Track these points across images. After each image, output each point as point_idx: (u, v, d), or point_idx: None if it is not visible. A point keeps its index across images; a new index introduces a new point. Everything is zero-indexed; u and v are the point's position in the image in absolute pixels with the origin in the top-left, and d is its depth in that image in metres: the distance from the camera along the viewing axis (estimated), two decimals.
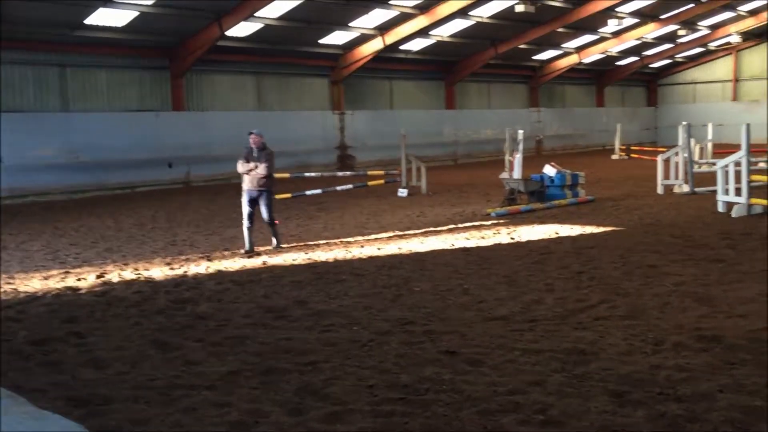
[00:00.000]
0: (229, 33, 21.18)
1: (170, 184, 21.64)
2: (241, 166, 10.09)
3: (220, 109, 23.74)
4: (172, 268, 9.17)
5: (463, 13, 24.56)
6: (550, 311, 6.54)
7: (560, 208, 13.97)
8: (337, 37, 24.98)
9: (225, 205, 15.84)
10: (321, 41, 24.91)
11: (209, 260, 9.71)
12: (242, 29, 21.77)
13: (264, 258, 9.72)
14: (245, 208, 10.18)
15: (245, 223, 10.17)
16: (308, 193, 16.53)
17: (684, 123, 17.03)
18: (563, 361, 5.13)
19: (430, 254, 9.72)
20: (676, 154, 16.58)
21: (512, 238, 10.73)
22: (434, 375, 4.92)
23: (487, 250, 9.88)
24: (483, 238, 10.88)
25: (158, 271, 8.97)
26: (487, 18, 26.18)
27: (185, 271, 8.96)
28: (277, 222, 10.55)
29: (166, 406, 4.55)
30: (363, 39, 25.43)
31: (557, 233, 11.03)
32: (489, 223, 12.47)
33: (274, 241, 10.45)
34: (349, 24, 23.95)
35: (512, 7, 24.42)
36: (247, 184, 10.12)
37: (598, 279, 7.76)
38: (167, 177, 21.69)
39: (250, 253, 9.99)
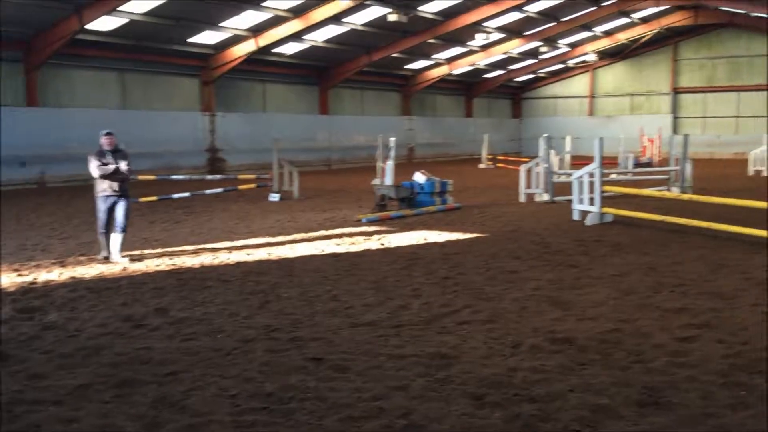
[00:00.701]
0: (90, 27, 20.14)
1: (22, 184, 20.25)
2: (98, 169, 9.34)
3: (80, 106, 22.47)
4: (20, 275, 8.53)
5: (336, 19, 24.70)
6: (416, 316, 6.64)
7: (429, 215, 14.29)
8: (207, 37, 24.39)
9: (82, 207, 14.98)
10: (190, 40, 24.22)
11: (63, 266, 9.12)
12: (105, 23, 20.76)
13: (124, 264, 9.25)
14: (103, 214, 9.53)
15: (101, 229, 9.56)
16: (175, 196, 15.95)
17: (545, 135, 17.92)
18: (427, 366, 5.21)
19: (300, 260, 9.64)
20: (537, 164, 17.42)
21: (382, 244, 10.84)
22: (299, 383, 4.86)
23: (357, 256, 9.92)
24: (353, 243, 10.92)
25: (5, 278, 8.32)
26: (361, 26, 26.48)
27: (35, 278, 8.36)
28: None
29: (7, 423, 4.20)
30: (235, 40, 24.98)
31: (426, 239, 11.26)
32: (360, 229, 12.54)
33: (114, 250, 9.43)
34: (220, 24, 23.45)
35: (385, 16, 24.84)
36: (106, 188, 9.49)
37: (462, 284, 7.98)
38: (19, 177, 20.29)
39: (109, 259, 9.46)
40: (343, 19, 25.28)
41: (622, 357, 5.31)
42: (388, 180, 15.13)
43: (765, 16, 31.96)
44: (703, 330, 5.95)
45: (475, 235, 11.70)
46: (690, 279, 8.03)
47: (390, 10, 24.49)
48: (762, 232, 10.20)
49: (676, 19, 35.37)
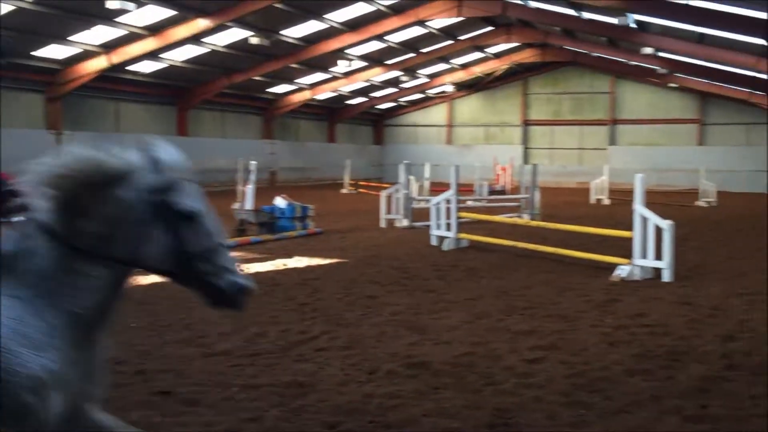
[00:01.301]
0: None
1: None
2: None
3: None
4: None
5: (196, 39, 24.12)
6: (273, 344, 6.49)
7: (290, 240, 14.14)
8: (54, 51, 23.00)
9: None
10: (35, 53, 22.74)
11: None
12: None
13: None
14: None
15: None
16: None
17: (405, 162, 18.33)
18: (282, 395, 5.08)
19: (151, 287, 9.16)
20: (397, 190, 17.77)
21: (240, 270, 10.55)
22: (142, 419, 4.56)
23: None
24: None
25: None
26: (222, 47, 26.05)
27: None
28: None
29: None
30: (85, 55, 23.76)
31: (285, 265, 11.11)
32: None
33: None
34: (69, 38, 22.22)
35: (247, 38, 24.58)
36: None
37: (321, 310, 7.91)
38: None
39: None
40: (203, 40, 24.75)
41: (474, 380, 5.44)
42: (248, 204, 14.85)
43: (605, 56, 34.66)
44: (549, 351, 6.23)
45: (335, 260, 11.69)
46: (538, 302, 8.42)
47: (252, 33, 24.29)
48: (601, 257, 10.92)
49: (526, 56, 37.58)
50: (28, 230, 2.65)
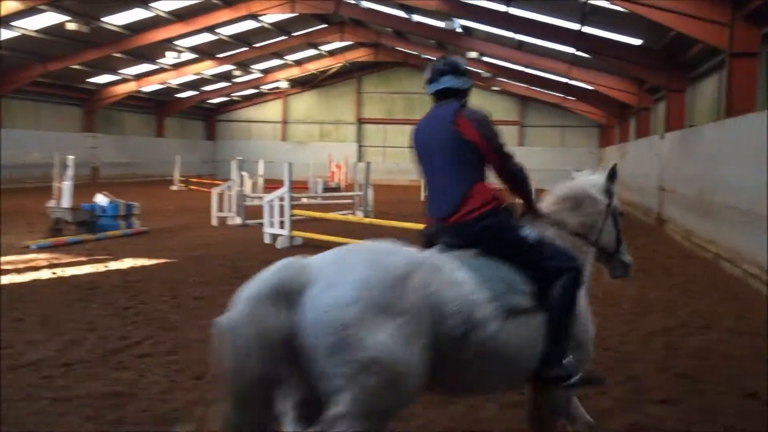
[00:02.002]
0: None
1: None
2: None
3: None
4: None
5: (4, 22, 22.07)
6: (90, 352, 6.04)
7: (112, 240, 13.32)
8: None
9: None
10: None
11: None
12: None
13: None
14: None
15: None
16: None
17: (237, 158, 17.92)
18: (97, 407, 4.73)
19: None
20: (230, 187, 17.33)
21: (54, 273, 9.77)
22: None
23: (22, 287, 8.79)
24: (18, 273, 9.68)
25: None
26: (35, 32, 24.04)
27: None
28: None
29: None
30: None
31: (106, 266, 10.43)
32: (28, 256, 11.19)
33: None
34: None
35: (63, 24, 22.88)
36: None
37: (145, 314, 7.49)
38: None
39: None
40: (12, 23, 22.69)
41: None
42: (65, 202, 13.79)
43: (434, 58, 35.94)
44: None
45: (162, 260, 11.15)
46: None
47: (68, 18, 22.62)
48: None
49: (360, 55, 38.17)
50: (544, 224, 3.84)
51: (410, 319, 2.85)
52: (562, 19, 20.82)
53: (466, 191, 3.55)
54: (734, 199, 10.42)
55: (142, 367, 5.67)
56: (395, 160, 43.21)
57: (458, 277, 3.16)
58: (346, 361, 2.75)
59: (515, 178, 3.79)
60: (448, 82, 3.81)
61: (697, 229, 12.98)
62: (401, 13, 26.70)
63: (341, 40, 32.92)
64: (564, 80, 31.25)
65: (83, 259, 11.07)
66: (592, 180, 4.14)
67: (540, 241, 3.59)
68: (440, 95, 3.81)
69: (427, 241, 3.72)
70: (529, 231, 3.59)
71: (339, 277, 2.88)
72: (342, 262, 2.98)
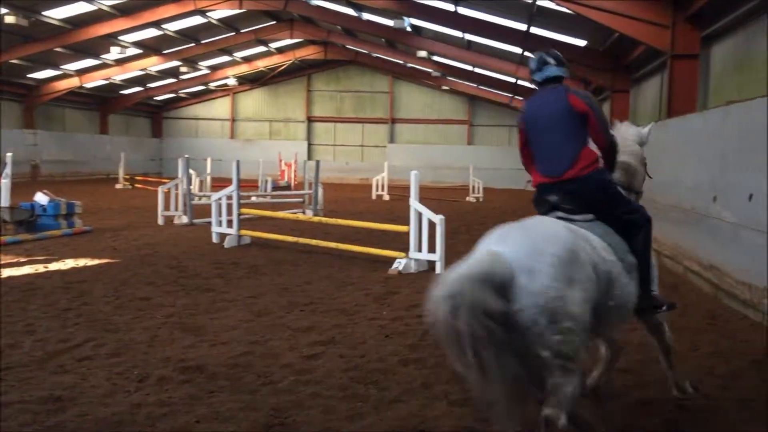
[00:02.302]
0: None
1: None
2: None
3: None
4: None
5: None
6: (28, 356, 5.84)
7: (53, 240, 12.93)
8: None
9: None
10: None
11: None
12: None
13: None
14: None
15: None
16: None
17: (185, 156, 17.60)
18: (35, 413, 4.56)
19: None
20: (177, 185, 17.02)
21: None
22: None
23: None
24: None
25: None
26: None
27: None
28: None
29: None
30: None
31: (46, 267, 10.11)
32: None
33: None
34: None
35: (2, 17, 22.14)
36: None
37: (86, 315, 7.28)
38: None
39: None
40: None
41: (251, 380, 5.30)
42: (3, 201, 13.33)
43: (384, 57, 36.02)
44: (328, 346, 6.27)
45: (105, 260, 10.88)
46: (318, 297, 8.47)
47: (7, 11, 21.89)
48: (380, 251, 11.29)
49: (309, 53, 37.95)
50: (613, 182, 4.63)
51: (585, 286, 3.65)
52: (510, 19, 21.08)
53: (578, 153, 4.43)
54: (676, 198, 10.70)
55: (83, 370, 5.51)
56: (345, 158, 43.14)
57: (598, 245, 3.99)
58: (559, 329, 3.51)
59: (611, 144, 4.70)
60: (555, 71, 4.73)
61: None
62: (351, 11, 26.64)
63: (291, 37, 32.64)
64: (512, 80, 31.66)
65: (22, 259, 10.72)
66: (630, 132, 5.19)
67: (625, 197, 4.63)
68: (547, 82, 4.73)
69: (540, 196, 4.58)
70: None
71: (535, 264, 3.57)
72: (531, 248, 3.65)
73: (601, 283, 3.82)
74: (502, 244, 3.72)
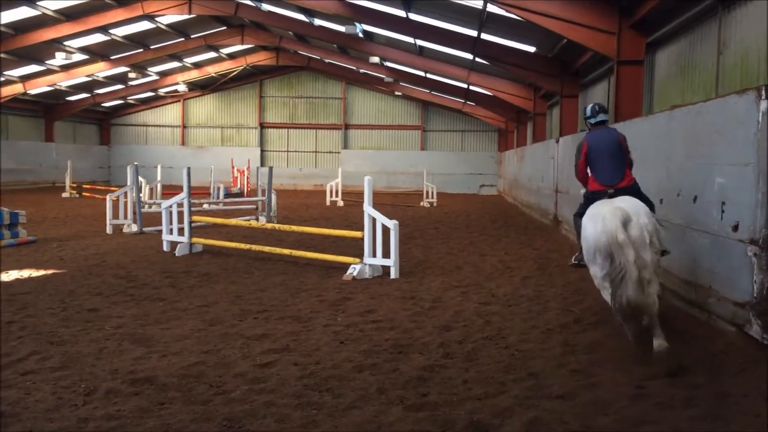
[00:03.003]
0: None
1: None
2: None
3: None
4: None
5: None
6: None
7: None
8: None
9: None
10: None
11: None
12: None
13: None
14: None
15: None
16: None
17: (134, 164, 17.26)
18: None
19: None
20: (125, 193, 16.68)
21: None
22: None
23: None
24: None
25: None
26: None
27: None
28: None
29: None
30: None
31: None
32: None
33: None
34: None
35: None
36: None
37: (31, 328, 7.06)
38: None
39: None
40: None
41: (203, 391, 5.21)
42: None
43: (337, 63, 35.98)
44: (282, 354, 6.20)
45: (51, 271, 10.58)
46: (272, 305, 8.38)
47: None
48: (334, 257, 11.25)
49: (261, 58, 37.66)
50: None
51: (652, 239, 6.29)
52: (461, 25, 21.28)
53: (625, 172, 7.42)
54: None
55: (27, 384, 5.34)
56: (299, 164, 42.94)
57: (635, 209, 6.47)
58: (653, 249, 6.20)
59: (632, 167, 7.68)
60: (604, 117, 7.88)
61: None
62: (302, 17, 26.54)
63: (242, 43, 32.34)
64: (464, 86, 31.96)
65: None
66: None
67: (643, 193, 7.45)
68: (599, 124, 7.78)
69: (598, 196, 7.31)
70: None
71: (638, 215, 6.32)
72: (633, 207, 6.43)
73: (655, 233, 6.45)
74: (621, 203, 6.55)
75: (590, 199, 7.35)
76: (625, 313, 6.04)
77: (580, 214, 7.49)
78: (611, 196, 7.09)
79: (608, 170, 7.32)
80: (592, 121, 7.77)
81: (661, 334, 5.81)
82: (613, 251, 6.07)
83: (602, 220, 6.26)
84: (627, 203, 6.53)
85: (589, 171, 7.53)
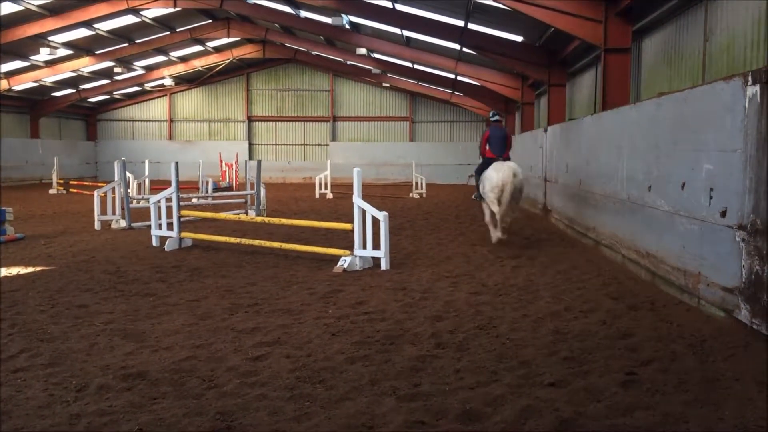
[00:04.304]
0: None
1: None
2: None
3: None
4: None
5: None
6: None
7: None
8: None
9: None
10: None
11: None
12: None
13: None
14: None
15: None
16: None
17: (121, 159, 17.15)
18: None
19: None
20: (113, 189, 16.58)
21: None
22: None
23: None
24: None
25: None
26: None
27: None
28: None
29: None
30: None
31: None
32: None
33: None
34: None
35: None
36: None
37: (20, 325, 7.02)
38: None
39: None
40: None
41: (195, 385, 5.19)
42: None
43: (324, 55, 35.85)
44: (274, 347, 6.19)
45: (39, 268, 10.51)
46: (263, 298, 8.36)
47: None
48: (324, 249, 11.23)
49: (247, 51, 37.49)
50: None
51: (522, 187, 12.30)
52: (448, 16, 21.24)
53: (507, 151, 12.94)
54: (612, 188, 10.96)
55: (18, 381, 5.30)
56: (287, 157, 42.85)
57: (518, 169, 12.26)
58: (520, 190, 12.21)
59: (510, 149, 13.22)
60: (498, 118, 13.51)
61: (578, 217, 13.57)
62: (288, 9, 26.41)
63: (228, 36, 32.15)
64: (451, 76, 31.93)
65: None
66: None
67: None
68: (495, 122, 13.35)
69: (492, 160, 12.66)
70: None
71: (519, 172, 12.11)
72: (517, 167, 12.13)
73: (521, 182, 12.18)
74: (510, 163, 12.15)
75: (486, 162, 12.85)
76: (494, 220, 12.38)
77: (479, 171, 13.10)
78: (500, 161, 12.54)
79: (498, 148, 12.93)
80: (492, 119, 13.50)
81: (503, 233, 12.33)
82: (504, 187, 11.88)
83: (502, 171, 12.01)
84: (514, 165, 12.24)
85: (487, 147, 13.00)
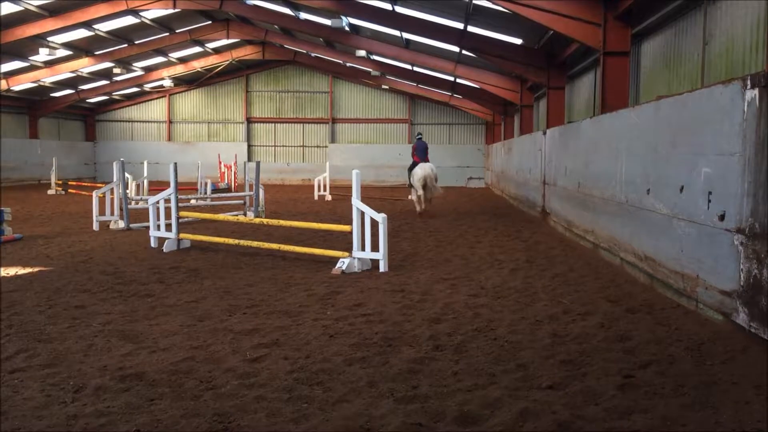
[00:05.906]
0: None
1: None
2: None
3: None
4: None
5: None
6: None
7: None
8: None
9: None
10: None
11: None
12: None
13: None
14: None
15: None
16: None
17: (120, 159, 17.15)
18: None
19: None
20: (112, 190, 16.57)
21: None
22: None
23: None
24: None
25: None
26: None
27: None
28: None
29: None
30: None
31: None
32: None
33: None
34: None
35: None
36: None
37: (18, 326, 7.01)
38: None
39: None
40: None
41: (193, 386, 5.18)
42: None
43: (323, 57, 35.87)
44: (272, 348, 6.18)
45: (37, 268, 10.51)
46: (261, 299, 8.36)
47: None
48: (323, 251, 11.23)
49: (247, 53, 37.50)
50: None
51: (436, 177, 19.36)
52: (447, 18, 21.25)
53: (426, 156, 19.94)
54: (611, 191, 10.96)
55: (15, 382, 5.29)
56: (286, 159, 42.84)
57: (433, 167, 19.48)
58: (437, 183, 19.47)
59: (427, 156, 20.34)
60: (420, 136, 21.16)
61: (577, 220, 13.58)
62: (288, 11, 26.42)
63: (227, 37, 32.17)
64: (451, 78, 31.94)
65: None
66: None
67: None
68: (419, 138, 20.59)
69: (418, 163, 19.48)
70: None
71: (434, 169, 19.27)
72: (432, 167, 19.19)
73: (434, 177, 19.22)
74: (429, 164, 19.29)
75: (414, 163, 19.34)
76: (420, 199, 19.10)
77: (410, 169, 19.42)
78: (422, 162, 19.07)
79: (422, 155, 19.62)
80: (418, 137, 20.62)
81: (426, 206, 19.45)
82: (426, 178, 18.73)
83: (423, 168, 18.73)
84: (431, 165, 19.11)
85: (415, 155, 19.60)
